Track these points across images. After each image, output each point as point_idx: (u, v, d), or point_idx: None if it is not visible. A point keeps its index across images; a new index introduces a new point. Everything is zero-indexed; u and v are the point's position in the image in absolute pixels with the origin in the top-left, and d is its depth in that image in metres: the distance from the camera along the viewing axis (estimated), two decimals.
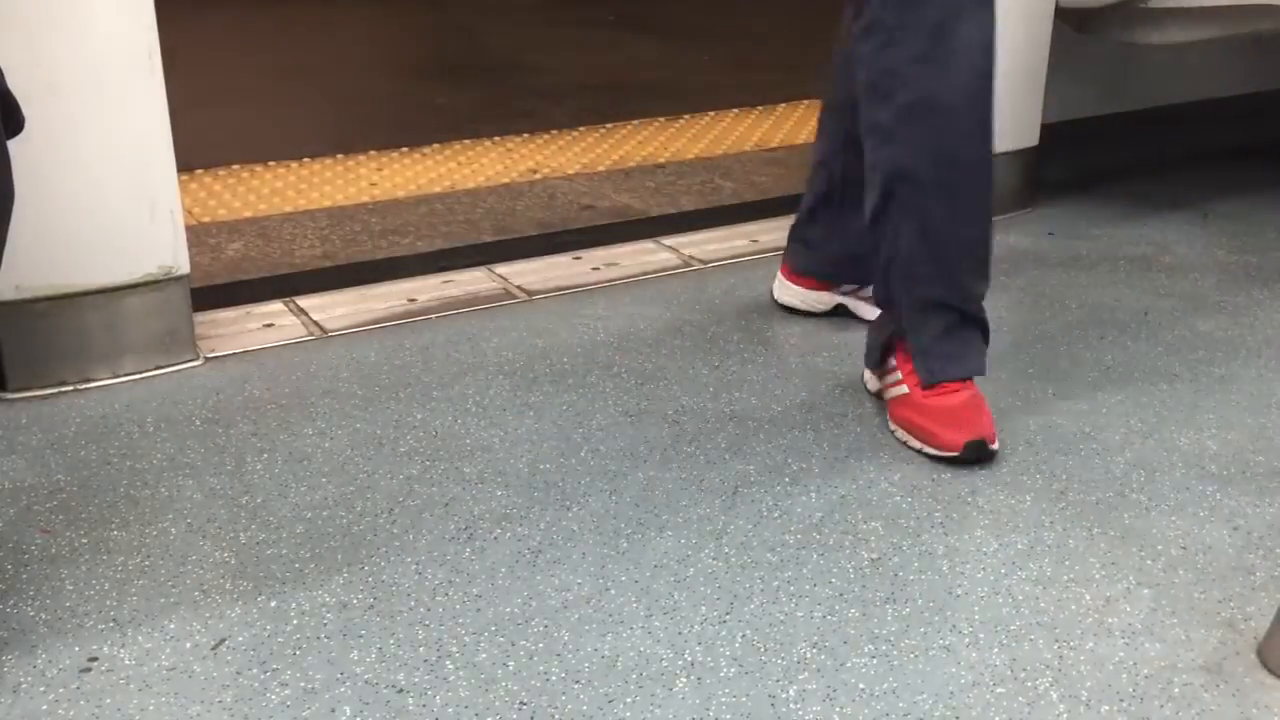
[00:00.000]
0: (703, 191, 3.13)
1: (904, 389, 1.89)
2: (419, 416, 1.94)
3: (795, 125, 3.87)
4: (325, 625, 1.43)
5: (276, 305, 2.38)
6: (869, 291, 2.13)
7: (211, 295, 2.33)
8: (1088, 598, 1.50)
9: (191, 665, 1.36)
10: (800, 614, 1.46)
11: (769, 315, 2.37)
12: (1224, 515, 1.69)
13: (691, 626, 1.44)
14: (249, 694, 1.32)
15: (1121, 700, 1.33)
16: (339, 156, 3.40)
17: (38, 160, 1.85)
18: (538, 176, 3.27)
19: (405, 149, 3.49)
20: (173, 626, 1.43)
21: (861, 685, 1.34)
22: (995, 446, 1.82)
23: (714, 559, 1.57)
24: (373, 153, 3.44)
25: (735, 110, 4.07)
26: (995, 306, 2.37)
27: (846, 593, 1.50)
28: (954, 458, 1.79)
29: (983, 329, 1.91)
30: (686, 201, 3.06)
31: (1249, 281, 2.57)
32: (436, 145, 3.55)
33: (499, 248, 2.69)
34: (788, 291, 2.39)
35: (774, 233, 2.85)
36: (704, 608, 1.47)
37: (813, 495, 1.72)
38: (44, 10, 1.85)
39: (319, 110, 4.15)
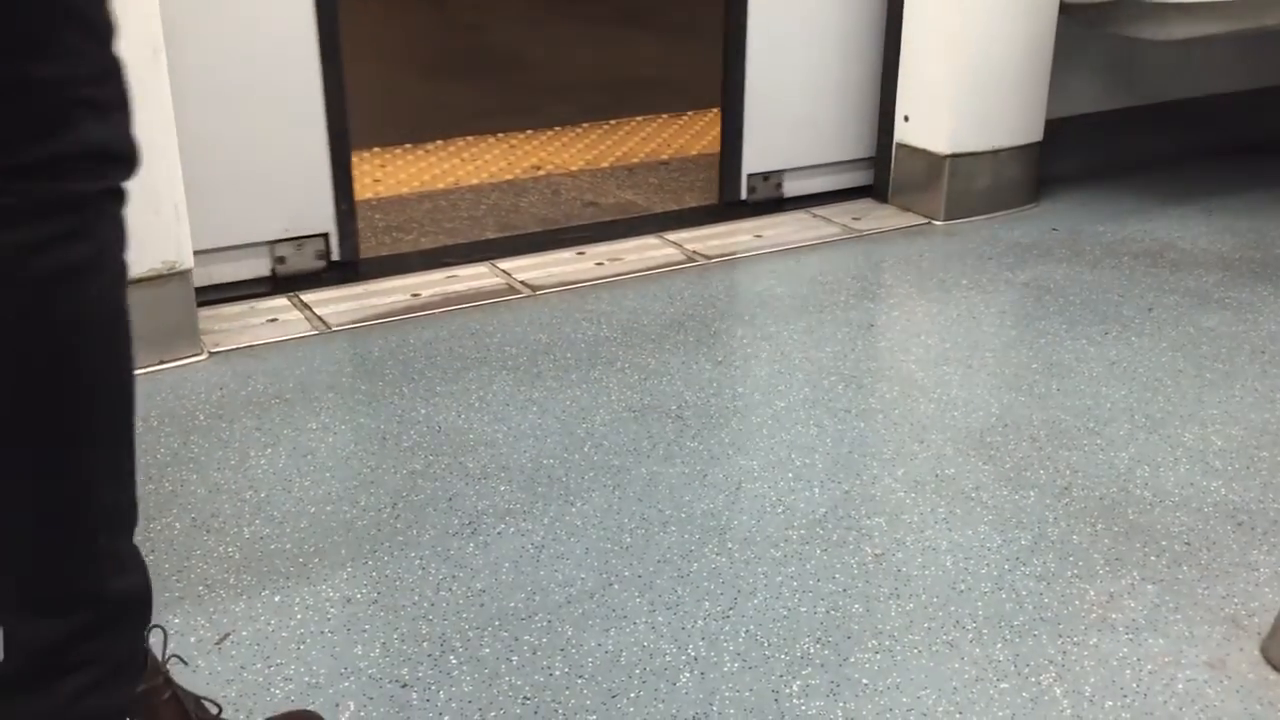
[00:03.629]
0: (706, 187, 3.13)
1: None
2: (423, 412, 1.94)
3: None
4: (329, 620, 1.44)
5: (280, 300, 2.38)
6: None
7: (215, 290, 2.33)
8: (1091, 594, 1.50)
9: (196, 660, 1.37)
10: (804, 609, 1.46)
11: (772, 310, 2.36)
12: (1228, 511, 1.69)
13: (695, 622, 1.44)
14: (253, 688, 1.32)
15: (1125, 696, 1.32)
16: None
17: None
18: (541, 173, 3.27)
19: (409, 145, 3.49)
20: (177, 621, 1.43)
21: (865, 680, 1.34)
22: None
23: (717, 554, 1.57)
24: (376, 149, 3.44)
25: None
26: (1000, 302, 2.38)
27: (850, 588, 1.50)
28: None
29: None
30: (690, 198, 3.06)
31: (1253, 277, 2.57)
32: (440, 142, 3.55)
33: (502, 244, 2.69)
34: None
35: (777, 228, 2.85)
36: (707, 603, 1.47)
37: (816, 491, 1.72)
38: None
39: None
